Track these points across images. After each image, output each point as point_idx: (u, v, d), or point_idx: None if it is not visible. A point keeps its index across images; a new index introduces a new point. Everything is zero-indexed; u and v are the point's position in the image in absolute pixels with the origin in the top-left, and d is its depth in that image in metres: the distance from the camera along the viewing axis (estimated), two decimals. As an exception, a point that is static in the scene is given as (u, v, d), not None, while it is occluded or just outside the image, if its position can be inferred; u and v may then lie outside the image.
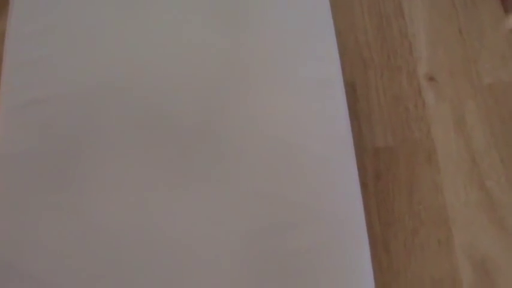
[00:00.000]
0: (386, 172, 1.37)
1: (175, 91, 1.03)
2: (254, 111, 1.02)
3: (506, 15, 1.57)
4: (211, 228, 0.94)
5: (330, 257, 0.94)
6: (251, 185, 0.97)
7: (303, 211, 0.96)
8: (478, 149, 1.40)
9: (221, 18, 1.10)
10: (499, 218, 1.33)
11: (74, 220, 0.94)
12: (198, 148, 0.99)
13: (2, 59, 1.07)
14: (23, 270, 0.92)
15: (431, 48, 1.52)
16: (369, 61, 1.50)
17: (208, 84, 1.04)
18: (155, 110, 1.02)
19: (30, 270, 0.92)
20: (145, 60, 1.06)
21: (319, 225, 0.95)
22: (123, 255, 0.93)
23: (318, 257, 0.94)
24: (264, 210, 0.95)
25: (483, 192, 1.35)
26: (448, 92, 1.47)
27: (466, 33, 1.54)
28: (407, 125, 1.42)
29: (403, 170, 1.38)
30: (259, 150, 0.99)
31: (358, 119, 1.42)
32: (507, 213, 1.33)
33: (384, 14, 1.56)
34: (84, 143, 0.99)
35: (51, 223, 0.94)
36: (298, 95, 1.04)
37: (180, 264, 0.92)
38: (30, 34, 1.08)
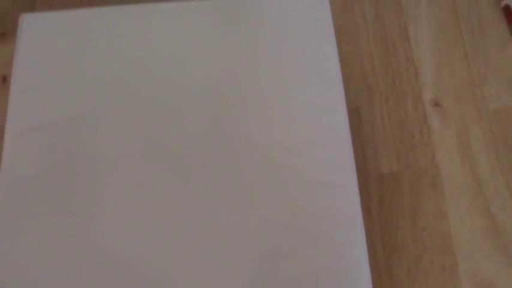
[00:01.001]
0: (390, 198, 1.37)
1: (176, 117, 1.05)
2: (255, 137, 1.03)
3: (512, 40, 1.57)
4: (212, 253, 0.95)
5: (331, 283, 0.94)
6: (251, 211, 0.97)
7: (303, 237, 0.96)
8: (484, 175, 1.39)
9: (222, 44, 1.11)
10: (504, 244, 1.32)
11: (76, 244, 0.96)
12: (198, 172, 1.01)
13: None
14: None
15: (436, 73, 1.52)
16: (374, 86, 1.50)
17: (209, 109, 1.06)
18: (158, 135, 1.03)
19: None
20: (148, 85, 1.08)
21: (320, 251, 0.95)
22: (125, 279, 0.93)
23: (318, 284, 0.94)
24: (264, 235, 0.96)
25: (488, 218, 1.34)
26: (454, 117, 1.46)
27: (471, 58, 1.54)
28: (412, 151, 1.42)
29: (407, 195, 1.37)
30: (260, 176, 1.00)
31: (362, 144, 1.42)
32: (512, 240, 1.33)
33: (389, 39, 1.57)
34: (88, 167, 1.01)
35: (53, 247, 0.95)
36: (300, 121, 1.05)
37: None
38: (36, 60, 1.10)
